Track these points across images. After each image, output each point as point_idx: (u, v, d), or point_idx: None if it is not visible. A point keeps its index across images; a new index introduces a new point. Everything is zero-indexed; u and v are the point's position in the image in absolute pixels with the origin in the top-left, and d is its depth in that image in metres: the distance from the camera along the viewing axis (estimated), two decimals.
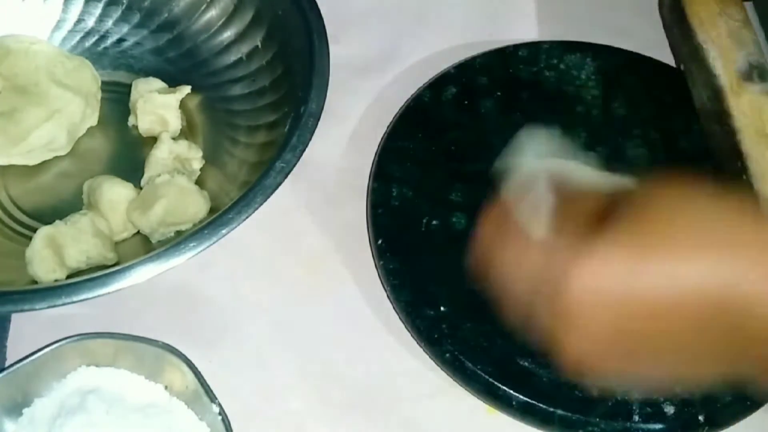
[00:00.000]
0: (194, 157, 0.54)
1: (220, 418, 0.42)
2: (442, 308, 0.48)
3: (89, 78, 0.56)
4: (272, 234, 0.53)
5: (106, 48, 0.59)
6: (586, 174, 0.38)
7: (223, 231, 0.45)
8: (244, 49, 0.57)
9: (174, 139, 0.54)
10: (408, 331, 0.49)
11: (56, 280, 0.47)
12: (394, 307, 0.49)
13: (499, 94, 0.57)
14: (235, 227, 0.45)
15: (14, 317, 0.48)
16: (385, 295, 0.50)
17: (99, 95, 0.57)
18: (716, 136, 0.51)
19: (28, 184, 0.54)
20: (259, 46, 0.57)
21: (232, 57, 0.58)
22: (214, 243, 0.45)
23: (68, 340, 0.43)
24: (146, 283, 0.43)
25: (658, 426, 0.45)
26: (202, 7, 0.59)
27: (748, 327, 0.31)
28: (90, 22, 0.59)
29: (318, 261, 0.52)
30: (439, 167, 0.53)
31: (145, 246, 0.51)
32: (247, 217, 0.45)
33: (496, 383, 0.46)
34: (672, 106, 0.58)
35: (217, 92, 0.57)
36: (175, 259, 0.44)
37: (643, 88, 0.58)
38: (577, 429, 0.45)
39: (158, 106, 0.54)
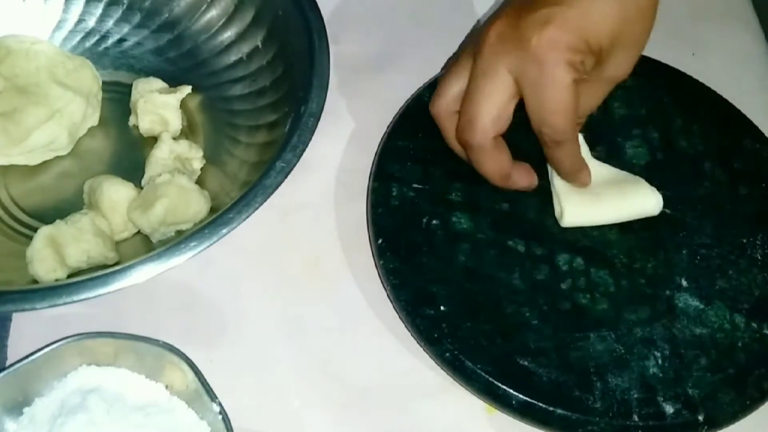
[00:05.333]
0: (195, 156, 0.54)
1: (220, 417, 0.42)
2: (442, 308, 0.48)
3: (90, 78, 0.56)
4: (272, 234, 0.53)
5: (106, 48, 0.59)
6: None
7: (224, 231, 0.45)
8: (244, 49, 0.57)
9: (174, 138, 0.54)
10: (408, 330, 0.49)
11: (57, 280, 0.47)
12: (394, 307, 0.49)
13: None
14: (236, 227, 0.45)
15: (15, 317, 0.48)
16: (385, 294, 0.50)
17: (100, 95, 0.57)
18: None
19: (29, 184, 0.54)
20: (260, 46, 0.57)
21: (232, 57, 0.58)
22: (214, 243, 0.45)
23: (69, 339, 0.43)
24: (147, 282, 0.43)
25: (658, 425, 0.45)
26: (203, 7, 0.59)
27: None
28: (91, 22, 0.59)
29: (318, 261, 0.52)
30: (439, 167, 0.53)
31: (145, 246, 0.51)
32: (247, 217, 0.45)
33: (496, 382, 0.46)
34: (672, 106, 0.58)
35: (218, 92, 0.58)
36: (175, 259, 0.44)
37: (643, 88, 0.58)
38: (576, 428, 0.45)
39: (159, 106, 0.54)
